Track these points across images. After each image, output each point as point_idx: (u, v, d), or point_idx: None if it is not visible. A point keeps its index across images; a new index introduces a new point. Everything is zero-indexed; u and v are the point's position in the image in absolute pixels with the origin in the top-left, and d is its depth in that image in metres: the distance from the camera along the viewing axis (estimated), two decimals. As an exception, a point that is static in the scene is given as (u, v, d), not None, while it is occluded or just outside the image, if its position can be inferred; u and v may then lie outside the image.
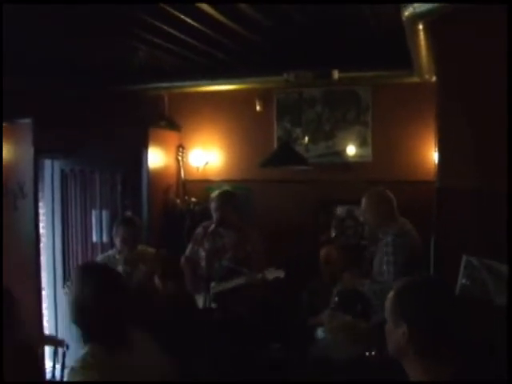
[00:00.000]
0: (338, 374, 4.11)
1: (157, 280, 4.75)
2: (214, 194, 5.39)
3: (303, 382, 4.50)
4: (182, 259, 5.34)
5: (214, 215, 5.23)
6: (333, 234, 6.29)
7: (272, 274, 5.00)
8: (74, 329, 2.61)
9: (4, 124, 5.42)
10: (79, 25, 4.68)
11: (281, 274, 5.02)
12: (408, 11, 3.87)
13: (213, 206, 5.28)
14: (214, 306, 4.91)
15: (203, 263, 5.20)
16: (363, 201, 4.84)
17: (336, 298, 4.82)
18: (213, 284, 4.97)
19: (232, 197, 5.36)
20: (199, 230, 5.43)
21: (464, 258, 3.73)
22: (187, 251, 5.39)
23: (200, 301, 4.87)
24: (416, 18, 3.94)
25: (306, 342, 4.91)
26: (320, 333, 4.83)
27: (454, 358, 1.95)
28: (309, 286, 5.53)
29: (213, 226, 5.15)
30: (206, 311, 4.71)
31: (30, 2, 3.85)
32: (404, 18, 3.98)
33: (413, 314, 1.98)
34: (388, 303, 2.08)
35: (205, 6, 4.29)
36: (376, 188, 4.93)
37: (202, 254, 5.25)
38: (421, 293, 2.04)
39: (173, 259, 5.12)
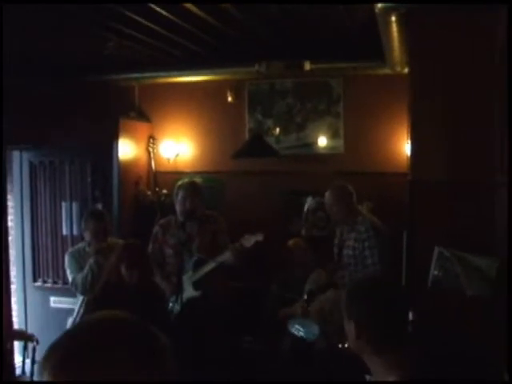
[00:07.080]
0: (313, 366, 4.12)
1: (123, 270, 4.65)
2: (181, 184, 5.20)
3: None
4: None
5: (182, 206, 5.04)
6: (302, 226, 6.27)
7: (249, 240, 4.78)
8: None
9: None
10: (49, 15, 4.60)
11: (259, 237, 4.76)
12: (381, 3, 3.86)
13: (181, 196, 5.08)
14: (197, 294, 4.88)
15: (171, 259, 5.10)
16: (328, 194, 4.97)
17: (307, 292, 4.81)
18: (189, 273, 4.92)
19: (200, 188, 5.28)
20: (157, 228, 5.27)
21: (436, 249, 3.77)
22: (149, 251, 5.19)
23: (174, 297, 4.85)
24: (389, 9, 3.93)
25: (278, 335, 4.88)
26: (292, 325, 4.80)
27: (409, 353, 2.02)
28: (279, 278, 5.49)
29: (180, 218, 5.01)
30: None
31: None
32: (377, 10, 3.97)
33: (359, 312, 2.08)
34: (342, 301, 2.19)
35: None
36: (338, 182, 5.11)
37: (169, 250, 5.11)
38: (366, 292, 2.15)
39: (138, 248, 5.03)
